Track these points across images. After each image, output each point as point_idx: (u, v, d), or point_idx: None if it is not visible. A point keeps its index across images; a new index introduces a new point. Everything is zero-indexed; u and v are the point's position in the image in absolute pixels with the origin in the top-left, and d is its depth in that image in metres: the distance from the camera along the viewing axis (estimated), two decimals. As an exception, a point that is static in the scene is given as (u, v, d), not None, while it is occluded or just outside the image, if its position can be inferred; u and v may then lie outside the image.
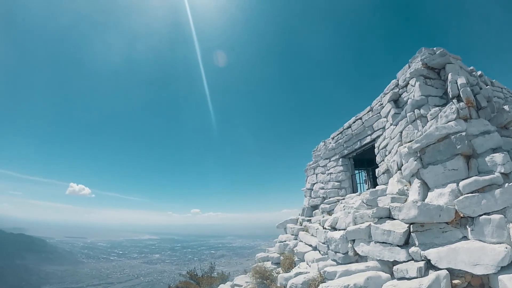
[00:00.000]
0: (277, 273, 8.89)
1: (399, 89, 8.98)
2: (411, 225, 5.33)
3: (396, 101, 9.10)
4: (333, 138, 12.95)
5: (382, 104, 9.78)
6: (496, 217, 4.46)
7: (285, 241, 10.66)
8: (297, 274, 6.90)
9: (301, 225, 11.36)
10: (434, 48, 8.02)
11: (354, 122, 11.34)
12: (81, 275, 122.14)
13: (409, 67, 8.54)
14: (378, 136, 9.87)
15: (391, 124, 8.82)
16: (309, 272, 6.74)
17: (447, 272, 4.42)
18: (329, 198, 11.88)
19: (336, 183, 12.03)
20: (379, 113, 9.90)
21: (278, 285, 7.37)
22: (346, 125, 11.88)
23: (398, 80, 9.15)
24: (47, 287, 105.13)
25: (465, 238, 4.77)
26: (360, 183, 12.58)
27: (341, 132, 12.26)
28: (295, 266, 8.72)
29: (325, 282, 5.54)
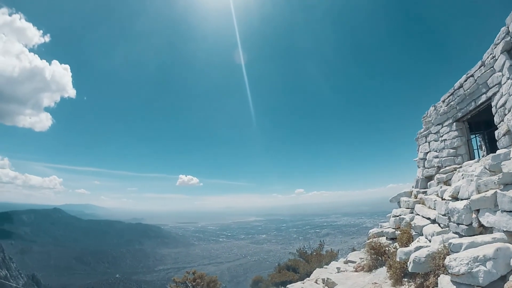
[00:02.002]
0: (394, 248, 9.16)
1: (511, 37, 8.14)
2: (541, 192, 4.93)
3: (510, 51, 8.24)
4: (443, 101, 12.13)
5: (494, 56, 8.85)
6: None
7: (400, 215, 10.85)
8: (417, 248, 6.99)
9: (416, 198, 11.34)
10: (543, -16, 7.20)
11: (465, 81, 10.41)
12: (193, 256, 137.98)
13: (519, 9, 7.67)
14: (495, 94, 8.99)
15: (508, 78, 8.02)
16: (430, 246, 6.84)
17: None
18: (445, 167, 11.27)
19: (452, 150, 11.49)
20: (493, 67, 8.99)
21: (398, 259, 7.57)
22: (456, 84, 10.99)
23: (508, 27, 8.21)
24: (162, 267, 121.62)
25: None
26: (476, 149, 11.79)
27: (452, 94, 11.40)
28: (413, 241, 8.81)
29: (450, 254, 5.50)
